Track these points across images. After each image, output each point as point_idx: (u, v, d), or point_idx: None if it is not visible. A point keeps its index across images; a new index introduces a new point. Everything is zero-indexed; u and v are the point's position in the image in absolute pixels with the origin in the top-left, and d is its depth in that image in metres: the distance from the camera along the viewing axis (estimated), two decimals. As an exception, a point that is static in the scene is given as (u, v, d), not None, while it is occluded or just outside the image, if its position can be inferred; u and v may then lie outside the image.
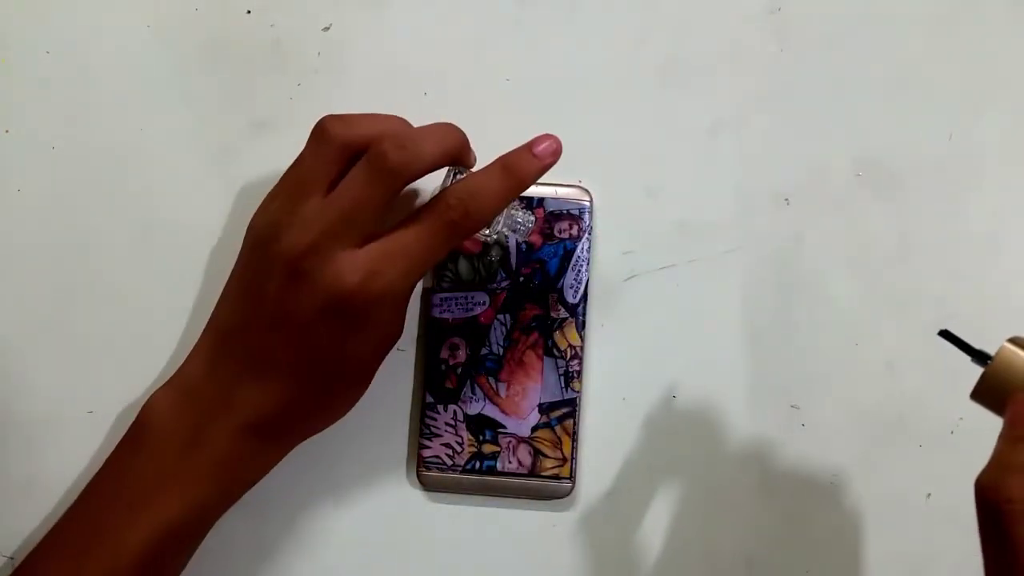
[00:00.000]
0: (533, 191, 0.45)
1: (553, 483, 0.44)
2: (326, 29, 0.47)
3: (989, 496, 0.32)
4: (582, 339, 0.45)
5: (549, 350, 0.45)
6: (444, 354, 0.45)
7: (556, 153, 0.39)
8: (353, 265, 0.37)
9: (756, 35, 0.47)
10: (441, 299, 0.45)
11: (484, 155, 0.46)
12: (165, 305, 0.46)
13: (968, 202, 0.46)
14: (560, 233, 0.45)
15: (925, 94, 0.47)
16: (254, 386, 0.38)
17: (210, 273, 0.46)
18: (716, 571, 0.45)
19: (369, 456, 0.45)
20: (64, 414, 0.45)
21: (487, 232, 0.43)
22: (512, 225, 0.43)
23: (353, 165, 0.38)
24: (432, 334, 0.45)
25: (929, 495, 0.45)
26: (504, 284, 0.45)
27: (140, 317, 0.46)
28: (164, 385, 0.40)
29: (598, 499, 0.45)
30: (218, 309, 0.40)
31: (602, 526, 0.45)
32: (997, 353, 0.33)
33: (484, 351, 0.44)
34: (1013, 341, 0.34)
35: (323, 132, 0.38)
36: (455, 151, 0.39)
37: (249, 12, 0.47)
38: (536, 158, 0.39)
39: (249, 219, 0.40)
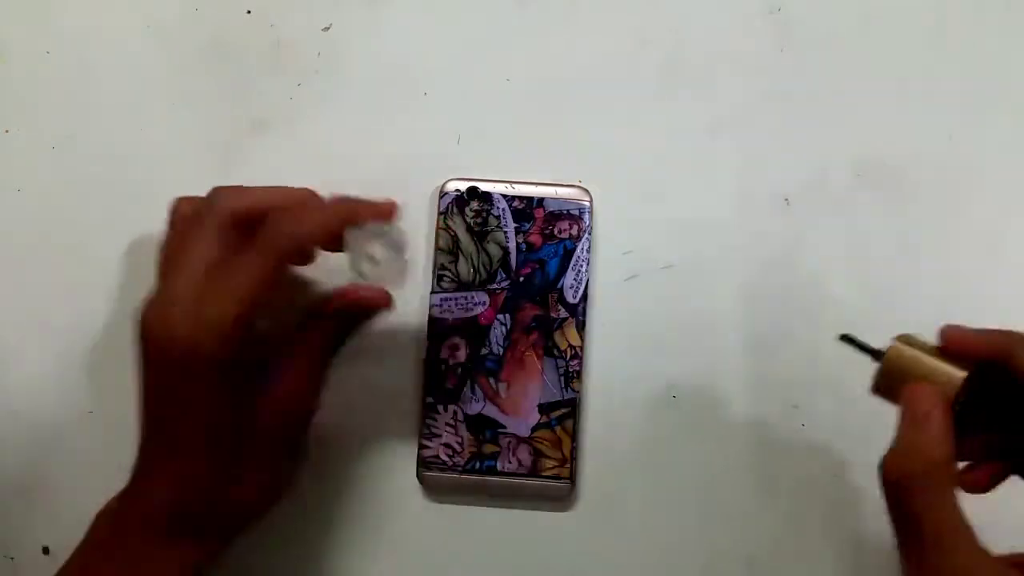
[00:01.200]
0: (533, 191, 0.45)
1: (553, 483, 0.44)
2: (326, 29, 0.47)
3: (890, 475, 0.33)
4: (582, 339, 0.45)
5: (549, 350, 0.45)
6: (444, 354, 0.45)
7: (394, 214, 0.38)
8: (180, 307, 0.35)
9: (756, 35, 0.47)
10: (441, 299, 0.45)
11: (483, 155, 0.47)
12: (165, 305, 0.46)
13: (968, 202, 0.46)
14: (560, 233, 0.45)
15: (925, 94, 0.47)
16: (159, 475, 0.37)
17: (210, 273, 0.46)
18: (716, 571, 0.45)
19: (369, 456, 0.45)
20: (64, 414, 0.45)
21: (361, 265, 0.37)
22: (386, 244, 0.37)
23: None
24: (432, 334, 0.45)
25: (929, 495, 0.45)
26: (504, 284, 0.45)
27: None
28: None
29: (598, 499, 0.45)
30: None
31: (602, 526, 0.45)
32: (887, 350, 0.36)
33: (484, 351, 0.44)
34: (900, 338, 0.36)
35: None
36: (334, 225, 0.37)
37: (249, 12, 0.47)
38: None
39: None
